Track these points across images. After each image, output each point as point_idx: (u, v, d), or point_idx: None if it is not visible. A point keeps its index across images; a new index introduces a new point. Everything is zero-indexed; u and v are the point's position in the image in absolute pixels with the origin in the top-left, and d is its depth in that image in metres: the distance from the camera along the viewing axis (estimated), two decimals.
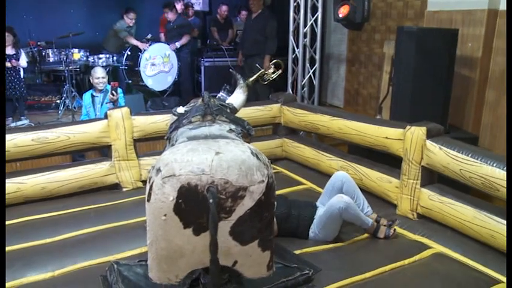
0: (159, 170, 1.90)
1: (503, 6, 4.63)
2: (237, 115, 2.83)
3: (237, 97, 2.98)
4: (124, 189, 4.04)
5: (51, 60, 7.18)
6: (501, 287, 2.66)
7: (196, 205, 1.85)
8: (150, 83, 7.39)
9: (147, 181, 1.99)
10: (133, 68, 7.51)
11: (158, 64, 7.40)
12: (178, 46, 7.62)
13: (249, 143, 2.42)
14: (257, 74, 3.49)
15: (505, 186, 2.80)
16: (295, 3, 6.43)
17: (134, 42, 7.43)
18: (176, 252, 1.97)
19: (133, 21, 7.51)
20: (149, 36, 7.77)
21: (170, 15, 7.69)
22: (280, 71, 3.68)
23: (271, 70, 3.63)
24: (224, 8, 8.52)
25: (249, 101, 3.52)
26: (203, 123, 2.47)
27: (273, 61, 3.77)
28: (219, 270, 1.98)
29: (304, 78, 6.52)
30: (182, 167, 1.85)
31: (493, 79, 4.79)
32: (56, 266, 2.81)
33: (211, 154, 1.87)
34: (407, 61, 4.44)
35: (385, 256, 2.95)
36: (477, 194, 3.34)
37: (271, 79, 3.64)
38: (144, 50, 7.29)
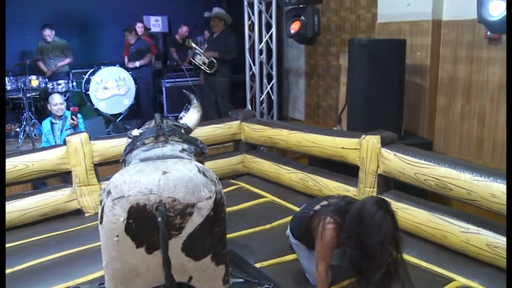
0: (109, 192, 1.94)
1: (446, 17, 4.85)
2: (196, 134, 2.88)
3: (191, 117, 3.03)
4: (86, 215, 4.02)
5: (8, 88, 7.03)
6: (454, 285, 2.78)
7: (146, 224, 1.88)
8: (102, 106, 7.31)
9: (99, 204, 2.01)
10: None
11: (111, 87, 7.35)
12: (138, 65, 7.65)
13: (202, 161, 2.48)
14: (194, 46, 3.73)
15: (458, 185, 2.95)
16: (249, 22, 6.49)
17: (41, 67, 7.51)
18: (131, 271, 1.99)
19: (51, 37, 7.46)
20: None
21: (130, 38, 7.73)
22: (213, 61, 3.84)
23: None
24: (185, 28, 8.54)
25: (211, 119, 3.59)
26: (156, 144, 2.51)
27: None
28: (175, 286, 2.01)
29: (262, 94, 6.54)
30: (131, 188, 1.89)
31: (443, 85, 5.00)
32: None
33: (159, 174, 1.91)
34: (360, 72, 4.59)
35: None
36: (435, 199, 3.48)
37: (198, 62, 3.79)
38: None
